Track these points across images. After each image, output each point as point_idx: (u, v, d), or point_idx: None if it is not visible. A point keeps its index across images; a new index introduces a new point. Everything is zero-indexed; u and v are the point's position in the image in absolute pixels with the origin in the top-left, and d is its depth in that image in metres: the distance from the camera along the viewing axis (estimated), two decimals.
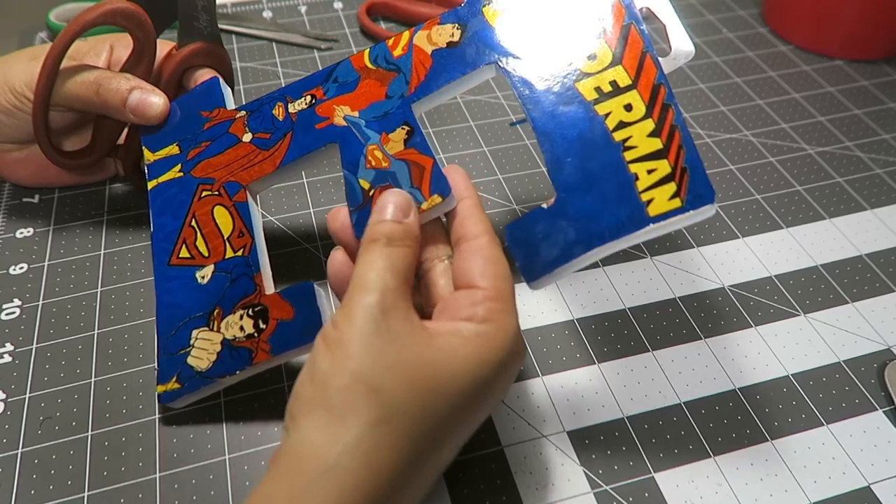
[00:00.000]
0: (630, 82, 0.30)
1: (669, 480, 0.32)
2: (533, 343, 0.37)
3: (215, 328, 0.31)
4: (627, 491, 0.31)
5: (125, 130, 0.42)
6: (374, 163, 0.31)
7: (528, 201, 0.44)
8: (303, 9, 0.63)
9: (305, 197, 0.45)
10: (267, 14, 0.62)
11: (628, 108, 0.29)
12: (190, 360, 0.31)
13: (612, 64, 0.30)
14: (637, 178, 0.28)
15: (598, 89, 0.30)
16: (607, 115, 0.29)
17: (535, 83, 0.31)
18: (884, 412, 0.34)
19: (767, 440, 0.33)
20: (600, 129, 0.29)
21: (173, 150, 0.36)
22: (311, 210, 0.44)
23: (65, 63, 0.37)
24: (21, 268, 0.40)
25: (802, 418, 0.34)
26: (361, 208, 0.30)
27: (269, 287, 0.32)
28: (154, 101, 0.37)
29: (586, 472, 0.32)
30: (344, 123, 0.33)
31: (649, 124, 0.29)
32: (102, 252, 0.41)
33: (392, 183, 0.30)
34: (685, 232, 0.43)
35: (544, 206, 0.29)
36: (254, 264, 0.32)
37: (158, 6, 0.38)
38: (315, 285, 0.31)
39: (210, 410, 0.34)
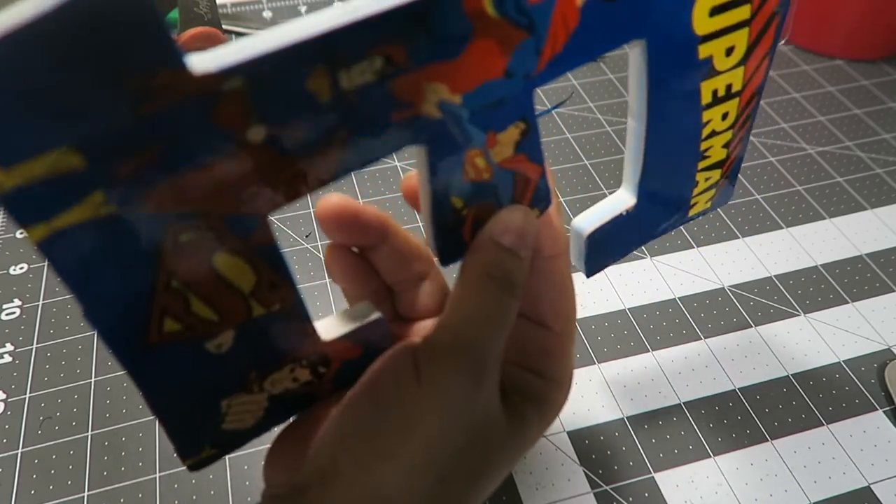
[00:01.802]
0: (740, 88, 0.26)
1: (669, 480, 0.32)
2: None
3: (256, 390, 0.22)
4: (627, 491, 0.31)
5: None
6: (472, 174, 0.21)
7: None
8: (303, 9, 0.63)
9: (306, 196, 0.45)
10: (267, 14, 0.62)
11: (724, 116, 0.26)
12: (227, 426, 0.22)
13: (739, 63, 0.25)
14: (697, 185, 0.28)
15: (714, 93, 0.25)
16: (707, 123, 0.26)
17: (669, 78, 0.24)
18: (884, 412, 0.34)
19: (767, 440, 0.33)
20: (697, 137, 0.26)
21: (70, 160, 0.17)
22: (311, 210, 0.44)
23: None
24: (21, 268, 0.40)
25: (802, 418, 0.34)
26: (449, 230, 0.22)
27: (326, 331, 0.23)
28: None
29: (586, 472, 0.32)
30: (437, 114, 0.19)
31: (729, 135, 0.27)
32: None
33: (494, 202, 0.23)
34: (685, 232, 0.43)
35: (624, 213, 0.27)
36: (300, 316, 0.21)
37: None
38: (382, 316, 0.23)
39: None
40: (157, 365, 0.20)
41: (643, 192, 0.27)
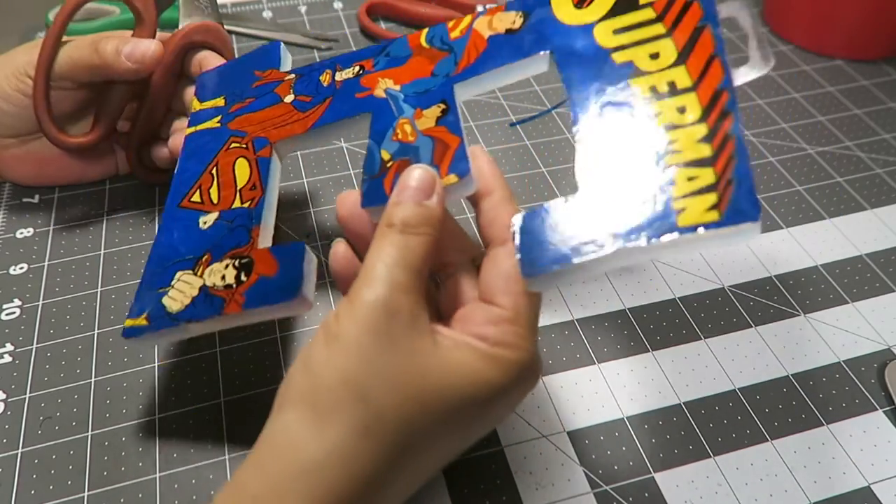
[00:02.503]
0: (690, 84, 0.28)
1: (669, 480, 0.32)
2: None
3: (199, 273, 0.30)
4: (627, 491, 0.31)
5: (129, 116, 0.43)
6: (400, 136, 0.30)
7: (528, 202, 0.44)
8: (303, 9, 0.63)
9: (305, 196, 0.45)
10: (267, 14, 0.62)
11: (681, 110, 0.27)
12: (165, 300, 0.30)
13: (675, 65, 0.28)
14: (674, 184, 0.26)
15: (653, 88, 0.28)
16: (657, 114, 0.28)
17: (586, 78, 0.29)
18: (884, 412, 0.34)
19: (767, 440, 0.33)
20: (648, 130, 0.27)
21: (219, 102, 0.37)
22: (311, 210, 0.44)
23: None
24: (21, 268, 0.40)
25: (802, 418, 0.34)
26: (374, 178, 0.29)
27: (266, 242, 0.31)
28: (146, 44, 0.38)
29: (586, 472, 0.32)
30: (383, 95, 0.32)
31: (701, 129, 0.27)
32: (102, 252, 0.41)
33: (413, 158, 0.29)
34: None
35: (563, 200, 0.27)
36: (256, 217, 0.31)
37: None
38: (307, 247, 0.29)
39: (210, 410, 0.34)
40: (174, 221, 0.33)
41: (590, 181, 0.27)
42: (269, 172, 0.33)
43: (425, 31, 0.34)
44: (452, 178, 0.28)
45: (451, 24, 0.34)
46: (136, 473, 0.31)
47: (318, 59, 0.56)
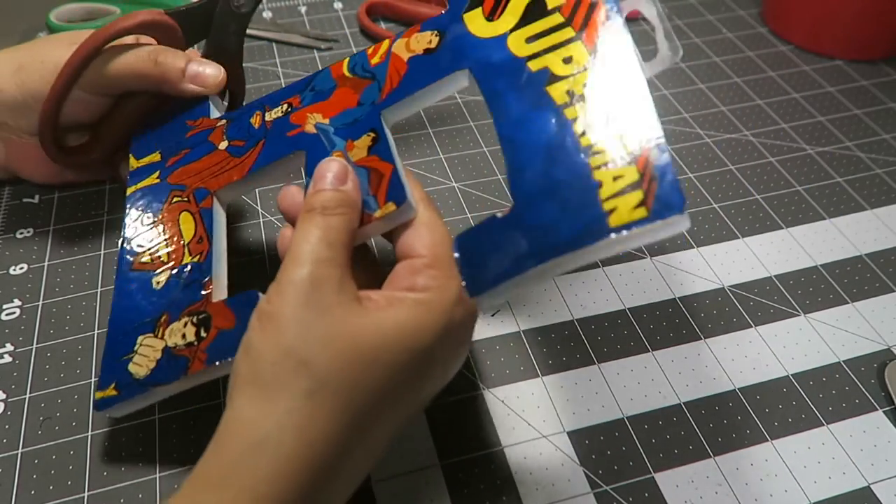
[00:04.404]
0: None
1: (669, 480, 0.32)
2: (533, 343, 0.37)
3: (160, 335, 0.30)
4: (627, 491, 0.31)
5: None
6: None
7: None
8: (303, 9, 0.63)
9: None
10: (267, 14, 0.62)
11: None
12: (130, 367, 0.30)
13: (588, 66, 0.28)
14: (601, 186, 0.26)
15: (569, 92, 0.28)
16: (575, 119, 0.27)
17: (505, 89, 0.30)
18: (884, 412, 0.34)
19: (767, 440, 0.33)
20: (569, 135, 0.27)
21: (155, 157, 0.37)
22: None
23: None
24: (21, 268, 0.40)
25: (802, 418, 0.34)
26: None
27: (220, 295, 0.31)
28: (211, 72, 0.38)
29: (586, 472, 0.32)
30: (314, 131, 0.32)
31: None
32: (102, 252, 0.41)
33: None
34: (685, 232, 0.43)
35: (499, 215, 0.27)
36: (206, 271, 0.31)
37: (192, 22, 0.39)
38: (261, 294, 0.28)
39: (210, 410, 0.34)
40: (128, 284, 0.33)
41: (518, 193, 0.27)
42: (213, 223, 0.33)
43: (346, 60, 0.34)
44: (390, 206, 0.28)
45: (370, 50, 0.34)
46: (136, 473, 0.31)
47: (317, 60, 0.57)
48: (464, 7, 0.32)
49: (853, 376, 0.36)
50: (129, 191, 0.36)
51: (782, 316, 0.38)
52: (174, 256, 0.33)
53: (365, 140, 0.31)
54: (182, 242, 0.33)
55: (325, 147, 0.32)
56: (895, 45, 0.57)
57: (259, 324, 0.25)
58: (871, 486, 0.32)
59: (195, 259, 0.32)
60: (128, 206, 0.35)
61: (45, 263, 0.41)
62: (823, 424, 0.34)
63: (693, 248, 0.42)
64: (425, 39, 0.32)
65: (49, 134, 0.38)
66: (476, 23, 0.32)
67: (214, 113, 0.38)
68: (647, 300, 0.39)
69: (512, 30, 0.31)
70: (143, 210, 0.35)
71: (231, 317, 0.30)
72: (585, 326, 0.38)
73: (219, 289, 0.31)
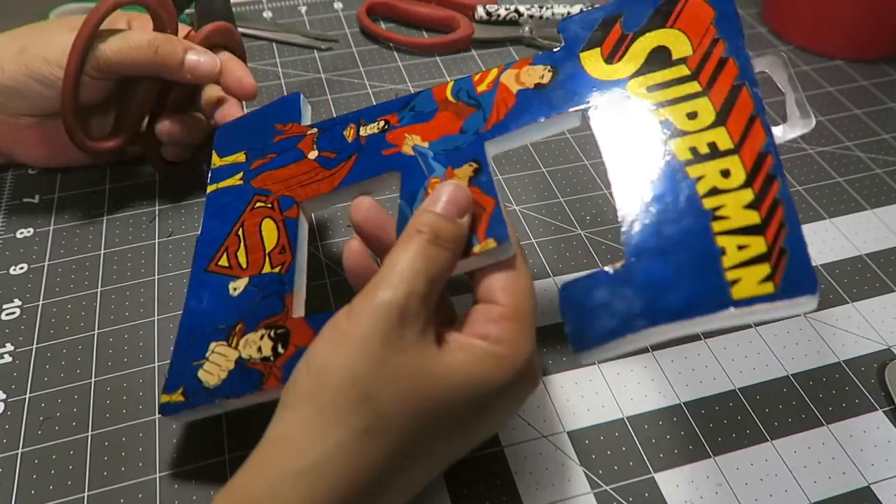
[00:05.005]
0: (732, 146, 0.27)
1: (669, 480, 0.32)
2: None
3: (234, 344, 0.29)
4: (627, 491, 0.31)
5: (146, 119, 0.42)
6: None
7: (527, 202, 0.44)
8: (303, 9, 0.63)
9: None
10: (267, 14, 0.62)
11: (725, 173, 0.26)
12: (200, 374, 0.29)
13: (714, 125, 0.27)
14: (724, 253, 0.25)
15: (693, 150, 0.27)
16: (699, 178, 0.26)
17: (623, 136, 0.28)
18: (884, 412, 0.34)
19: (767, 440, 0.33)
20: (688, 192, 0.26)
21: (240, 157, 0.36)
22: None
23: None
24: (21, 268, 0.40)
25: (802, 418, 0.34)
26: None
27: (299, 311, 0.30)
28: (209, 61, 0.39)
29: (586, 472, 0.32)
30: (411, 153, 0.31)
31: (748, 195, 0.26)
32: (102, 252, 0.41)
33: None
34: None
35: (609, 269, 0.26)
36: (288, 283, 0.30)
37: None
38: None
39: None
40: (202, 288, 0.31)
41: (631, 247, 0.26)
42: (297, 234, 0.32)
43: (451, 83, 0.33)
44: (491, 243, 0.27)
45: (476, 77, 0.33)
46: (136, 473, 0.31)
47: (317, 60, 0.57)
48: (581, 46, 0.32)
49: (853, 376, 0.36)
50: (210, 189, 0.35)
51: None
52: (254, 264, 0.31)
53: (466, 170, 0.30)
54: (264, 250, 0.32)
55: (422, 171, 0.30)
56: (895, 45, 0.57)
57: (332, 340, 0.24)
58: (871, 486, 0.32)
59: (276, 270, 0.31)
60: (207, 204, 0.35)
61: (45, 263, 0.41)
62: (823, 424, 0.34)
63: None
64: (537, 74, 0.32)
65: (73, 122, 0.38)
66: (593, 63, 0.31)
67: (306, 119, 0.37)
68: None
69: (632, 76, 0.30)
70: (223, 210, 0.34)
71: (311, 335, 0.28)
72: None
73: (298, 305, 0.30)
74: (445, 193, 0.27)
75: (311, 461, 0.23)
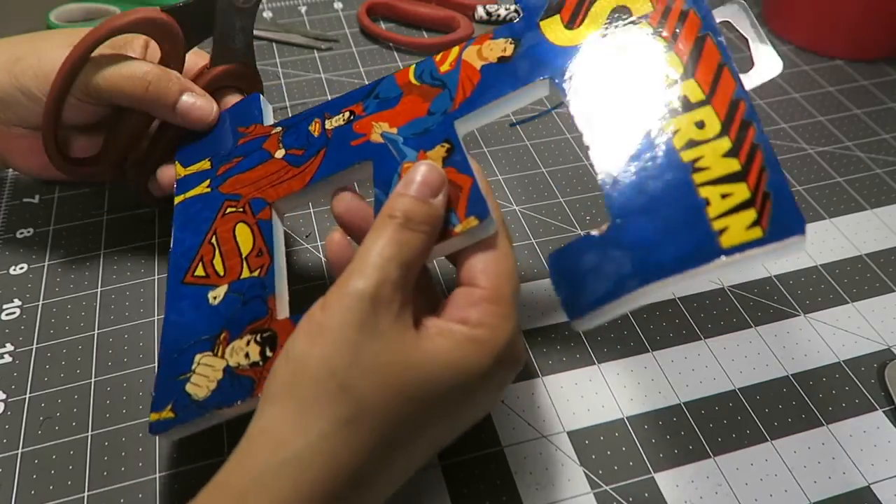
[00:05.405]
0: (703, 98, 0.27)
1: (669, 480, 0.32)
2: (533, 343, 0.37)
3: (219, 354, 0.29)
4: (627, 491, 0.31)
5: (143, 144, 0.39)
6: None
7: (527, 202, 0.44)
8: (303, 9, 0.63)
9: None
10: (267, 14, 0.62)
11: (700, 125, 0.26)
12: (188, 388, 0.28)
13: (683, 78, 0.28)
14: (708, 204, 0.25)
15: (665, 104, 0.27)
16: (675, 132, 0.26)
17: (594, 99, 0.28)
18: (884, 412, 0.34)
19: (767, 440, 0.33)
20: (666, 147, 0.26)
21: (205, 165, 0.35)
22: (311, 210, 0.44)
23: (101, 50, 0.35)
24: (21, 268, 0.40)
25: (802, 418, 0.34)
26: None
27: (283, 312, 0.30)
28: (204, 106, 0.36)
29: (586, 472, 0.32)
30: (381, 140, 0.31)
31: (725, 143, 0.26)
32: (102, 252, 0.41)
33: None
34: None
35: (595, 232, 0.26)
36: (269, 286, 0.30)
37: (194, 20, 0.37)
38: None
39: None
40: (181, 300, 0.31)
41: (615, 208, 0.26)
42: (272, 235, 0.31)
43: (412, 67, 0.33)
44: (472, 221, 0.27)
45: (437, 57, 0.32)
46: (136, 473, 0.31)
47: (317, 60, 0.57)
48: (540, 14, 0.31)
49: (853, 376, 0.36)
50: (177, 200, 0.35)
51: (782, 316, 0.38)
52: (231, 270, 0.31)
53: (439, 151, 0.29)
54: (240, 255, 0.31)
55: (393, 157, 0.30)
56: (895, 44, 0.57)
57: (308, 332, 0.24)
58: (871, 486, 0.32)
59: (255, 273, 0.30)
60: (176, 216, 0.34)
61: (45, 263, 0.41)
62: (823, 424, 0.34)
63: None
64: (499, 47, 0.31)
65: (52, 143, 0.37)
66: (554, 31, 0.31)
67: (268, 119, 0.36)
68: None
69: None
70: (193, 220, 0.33)
71: None
72: None
73: (282, 305, 0.30)
74: (418, 174, 0.27)
75: (293, 453, 0.23)
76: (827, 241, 0.42)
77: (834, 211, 0.44)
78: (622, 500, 0.31)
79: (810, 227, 0.43)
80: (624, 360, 0.36)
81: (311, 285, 0.39)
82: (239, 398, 0.27)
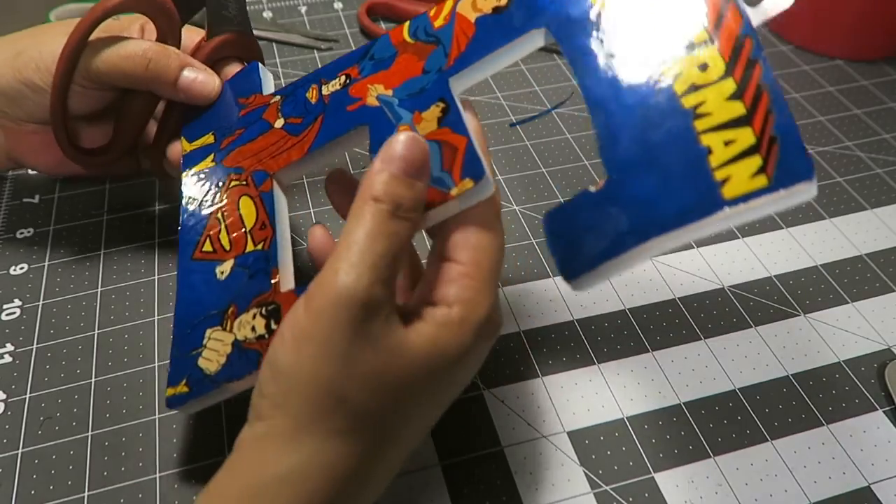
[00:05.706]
0: (707, 37, 0.25)
1: (669, 480, 0.32)
2: (533, 343, 0.37)
3: (228, 328, 0.29)
4: (627, 491, 0.31)
5: (155, 127, 0.39)
6: None
7: (527, 202, 0.44)
8: (303, 9, 0.63)
9: (306, 197, 0.45)
10: (267, 14, 0.62)
11: (703, 67, 0.24)
12: (200, 362, 0.28)
13: (685, 18, 0.25)
14: (710, 152, 0.23)
15: (666, 48, 0.25)
16: (677, 76, 0.24)
17: (591, 47, 0.26)
18: (884, 412, 0.34)
19: (767, 440, 0.33)
20: (666, 94, 0.24)
21: (209, 139, 0.35)
22: (311, 210, 0.44)
23: (98, 35, 0.35)
24: (21, 268, 0.40)
25: (802, 418, 0.34)
26: None
27: (288, 284, 0.29)
28: (207, 80, 0.36)
29: (586, 472, 0.32)
30: (376, 104, 0.30)
31: (729, 85, 0.24)
32: (102, 252, 0.41)
33: None
34: None
35: (592, 189, 0.25)
36: (272, 259, 0.29)
37: None
38: None
39: (210, 411, 0.33)
40: (191, 276, 0.31)
41: (612, 162, 0.25)
42: (274, 207, 0.31)
43: (406, 24, 0.31)
44: (468, 182, 0.25)
45: (432, 11, 0.31)
46: (136, 473, 0.31)
47: (317, 60, 0.57)
48: None
49: (853, 376, 0.36)
50: (184, 175, 0.34)
51: (782, 316, 0.38)
52: (236, 244, 0.31)
53: (434, 111, 0.28)
54: (244, 229, 0.31)
55: (389, 121, 0.29)
56: (895, 44, 0.57)
57: (293, 340, 0.23)
58: (871, 486, 0.32)
59: (259, 246, 0.30)
60: (183, 191, 0.34)
61: (45, 263, 0.41)
62: (823, 424, 0.34)
63: (693, 248, 0.42)
64: None
65: (62, 133, 0.37)
66: None
67: (268, 88, 0.35)
68: (648, 300, 0.39)
69: None
70: (199, 195, 0.33)
71: None
72: (585, 327, 0.38)
73: (286, 277, 0.29)
74: (400, 147, 0.24)
75: (288, 468, 0.22)
76: (827, 241, 0.42)
77: (834, 211, 0.44)
78: (622, 500, 0.31)
79: (811, 227, 0.43)
80: (624, 360, 0.36)
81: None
82: (246, 371, 0.27)
